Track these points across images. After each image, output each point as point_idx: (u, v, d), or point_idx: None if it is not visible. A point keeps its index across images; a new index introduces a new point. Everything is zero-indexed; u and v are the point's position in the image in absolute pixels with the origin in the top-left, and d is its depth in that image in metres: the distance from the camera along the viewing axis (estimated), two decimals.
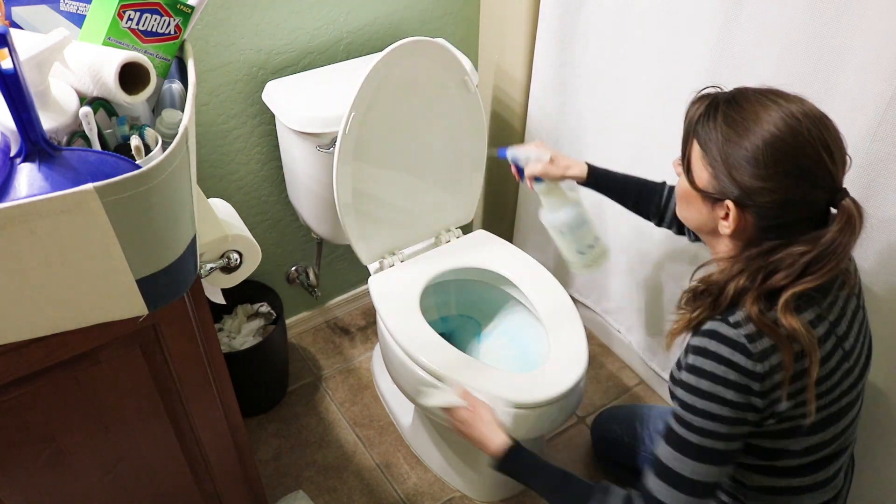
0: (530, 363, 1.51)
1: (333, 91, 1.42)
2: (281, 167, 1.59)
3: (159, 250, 0.73)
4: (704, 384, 0.87)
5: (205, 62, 1.39)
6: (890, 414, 1.21)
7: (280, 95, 1.42)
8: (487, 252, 1.58)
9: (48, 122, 0.75)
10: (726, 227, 0.88)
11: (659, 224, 1.27)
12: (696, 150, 0.90)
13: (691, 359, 0.89)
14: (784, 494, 0.97)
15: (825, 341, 0.88)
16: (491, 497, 1.56)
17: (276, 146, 1.56)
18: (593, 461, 1.63)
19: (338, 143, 1.33)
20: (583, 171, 1.27)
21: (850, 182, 1.10)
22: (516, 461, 1.07)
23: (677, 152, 0.95)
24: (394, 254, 1.56)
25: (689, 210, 0.95)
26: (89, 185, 0.62)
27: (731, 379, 0.85)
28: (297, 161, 1.47)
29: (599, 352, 1.90)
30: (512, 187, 1.90)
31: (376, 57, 1.29)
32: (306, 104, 1.39)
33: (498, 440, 1.08)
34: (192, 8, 0.87)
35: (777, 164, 0.82)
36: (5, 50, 0.62)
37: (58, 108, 0.77)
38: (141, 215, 0.68)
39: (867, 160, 1.07)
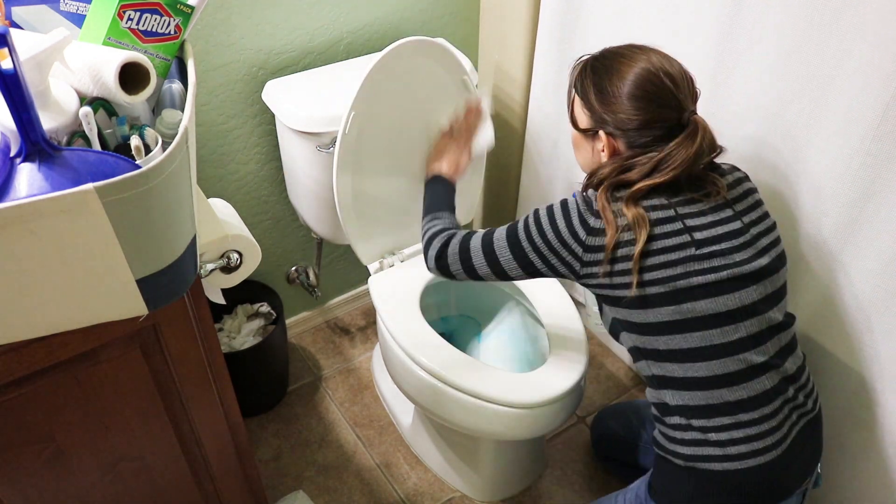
0: (530, 363, 1.51)
1: (333, 91, 1.42)
2: (281, 167, 1.59)
3: (159, 250, 0.73)
4: (556, 206, 1.08)
5: (205, 62, 1.39)
6: (868, 408, 1.21)
7: (280, 95, 1.42)
8: None
9: (48, 122, 0.75)
10: (604, 154, 1.08)
11: None
12: (577, 101, 1.11)
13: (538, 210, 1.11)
14: (689, 388, 1.05)
15: (664, 223, 1.01)
16: (491, 497, 1.56)
17: (276, 146, 1.56)
18: (593, 461, 1.63)
19: (338, 143, 1.33)
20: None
21: (850, 182, 1.10)
22: (429, 185, 1.35)
23: None
24: (394, 254, 1.56)
25: (579, 153, 1.15)
26: (89, 185, 0.62)
27: (570, 213, 1.05)
28: (297, 161, 1.47)
29: (599, 352, 1.90)
30: (512, 187, 1.90)
31: (376, 57, 1.29)
32: (306, 104, 1.39)
33: (436, 169, 1.37)
34: (192, 8, 0.87)
35: (634, 95, 1.01)
36: (5, 50, 0.62)
37: (58, 108, 0.77)
38: (141, 215, 0.68)
39: (867, 160, 1.07)
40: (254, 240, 1.00)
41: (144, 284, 0.73)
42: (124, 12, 0.81)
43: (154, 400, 0.96)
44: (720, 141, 1.05)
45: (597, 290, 1.07)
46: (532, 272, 1.11)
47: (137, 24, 0.83)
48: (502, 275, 1.14)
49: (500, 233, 1.13)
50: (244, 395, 1.19)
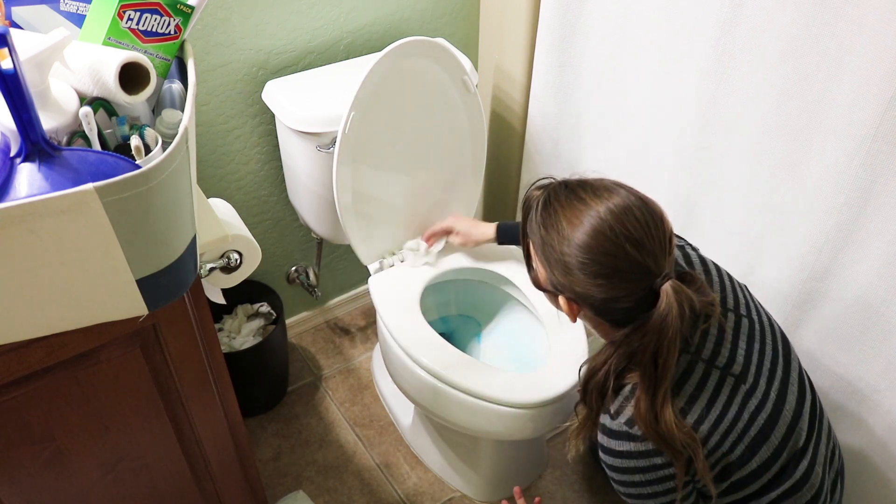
0: (530, 363, 1.51)
1: (333, 91, 1.42)
2: (281, 167, 1.59)
3: (159, 250, 0.73)
4: (618, 476, 0.95)
5: (205, 62, 1.39)
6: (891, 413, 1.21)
7: (280, 95, 1.42)
8: (487, 252, 1.58)
9: (48, 122, 0.75)
10: (569, 315, 0.95)
11: None
12: (531, 245, 0.95)
13: (601, 455, 0.96)
14: None
15: (704, 382, 0.91)
16: (491, 497, 1.56)
17: (276, 146, 1.56)
18: (593, 461, 1.63)
19: (337, 143, 1.33)
20: (490, 236, 1.44)
21: (850, 182, 1.10)
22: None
23: (677, 151, 0.95)
24: (394, 254, 1.56)
25: (547, 298, 0.99)
26: (89, 185, 0.62)
27: (632, 465, 0.92)
28: (297, 161, 1.47)
29: None
30: (512, 187, 1.90)
31: (376, 57, 1.29)
32: (306, 104, 1.39)
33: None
34: (192, 8, 0.87)
35: (586, 268, 0.86)
36: (5, 50, 0.62)
37: (58, 108, 0.77)
38: (141, 215, 0.68)
39: (867, 160, 1.07)
40: (254, 240, 1.00)
41: (144, 284, 0.73)
42: (124, 12, 0.81)
43: (154, 400, 0.96)
44: (720, 141, 1.03)
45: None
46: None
47: (137, 24, 0.83)
48: None
49: None
50: (244, 395, 1.19)
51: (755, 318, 1.01)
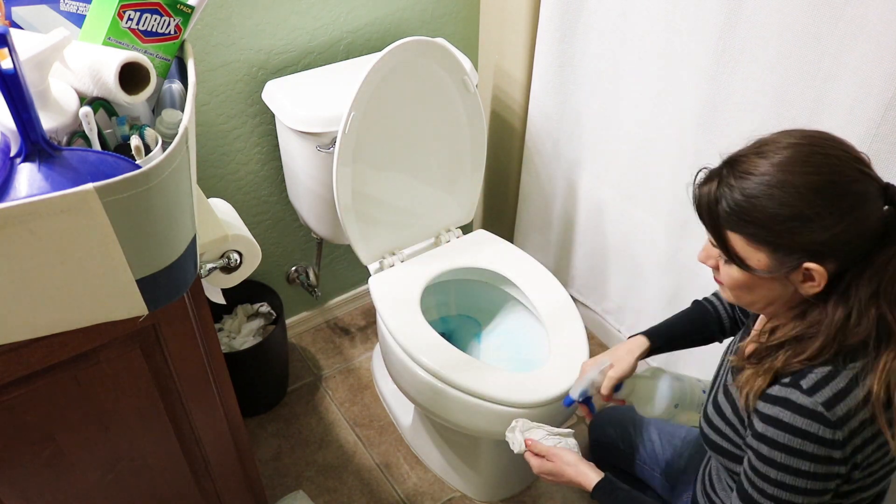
0: (530, 363, 1.51)
1: (333, 91, 1.42)
2: (281, 167, 1.59)
3: (159, 250, 0.73)
4: (778, 456, 0.82)
5: (205, 62, 1.39)
6: None
7: (280, 95, 1.42)
8: (487, 252, 1.58)
9: (48, 122, 0.75)
10: (814, 286, 0.80)
11: (724, 339, 1.19)
12: (735, 238, 0.81)
13: (761, 427, 0.83)
14: None
15: None
16: (491, 497, 1.56)
17: (276, 146, 1.56)
18: (592, 462, 1.62)
19: (337, 143, 1.33)
20: (644, 346, 1.16)
21: None
22: (609, 495, 1.03)
23: (677, 151, 0.94)
24: (394, 254, 1.56)
25: (754, 295, 0.85)
26: (89, 185, 0.62)
27: (808, 451, 0.80)
28: (297, 161, 1.47)
29: (599, 352, 1.89)
30: (512, 187, 1.90)
31: (376, 57, 1.29)
32: (306, 104, 1.39)
33: (589, 478, 1.06)
34: (192, 8, 0.87)
35: (825, 200, 0.75)
36: (5, 50, 0.62)
37: (58, 108, 0.77)
38: (141, 215, 0.68)
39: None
40: (254, 240, 1.00)
41: (144, 284, 0.73)
42: (124, 12, 0.81)
43: (154, 400, 0.96)
44: (720, 140, 1.03)
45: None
46: None
47: (137, 24, 0.83)
48: None
49: None
50: (244, 395, 1.19)
51: None
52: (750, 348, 0.89)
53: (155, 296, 0.76)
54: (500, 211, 2.00)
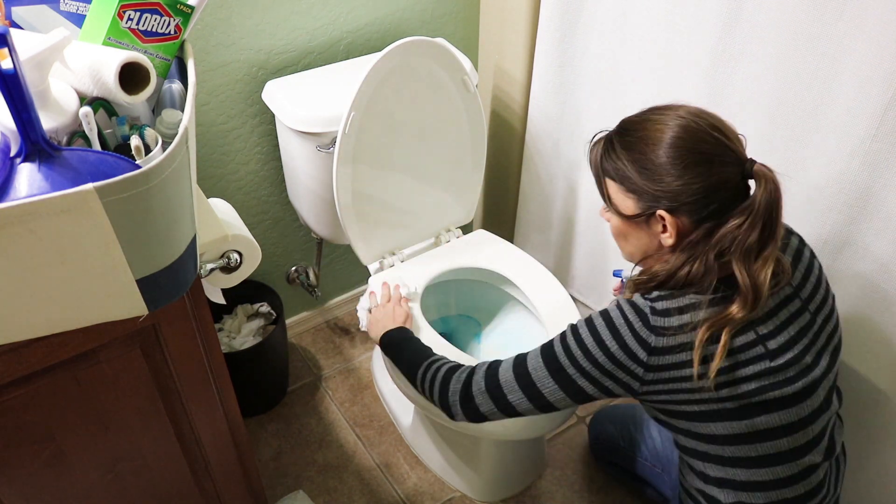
0: None
1: (333, 91, 1.42)
2: (281, 167, 1.59)
3: (159, 250, 0.73)
4: (599, 323, 0.95)
5: (205, 62, 1.39)
6: (891, 415, 1.21)
7: (280, 95, 1.42)
8: (487, 252, 1.58)
9: (48, 122, 0.75)
10: (668, 237, 0.93)
11: None
12: (612, 186, 0.97)
13: (603, 307, 0.98)
14: (747, 490, 0.99)
15: (737, 334, 0.91)
16: (491, 497, 1.56)
17: (276, 146, 1.56)
18: (592, 462, 1.63)
19: (337, 143, 1.33)
20: None
21: (851, 182, 1.10)
22: (389, 338, 1.25)
23: None
24: (394, 254, 1.56)
25: (629, 243, 1.00)
26: (89, 185, 0.62)
27: (620, 333, 0.93)
28: (297, 161, 1.47)
29: None
30: (512, 187, 1.90)
31: (376, 57, 1.29)
32: (306, 104, 1.39)
33: (381, 330, 1.27)
34: (192, 8, 0.87)
35: (685, 160, 0.88)
36: (5, 50, 0.62)
37: (58, 108, 0.77)
38: (141, 215, 0.68)
39: (867, 160, 1.07)
40: (254, 240, 1.00)
41: (144, 284, 0.73)
42: (124, 12, 0.81)
43: (154, 400, 0.96)
44: None
45: (656, 405, 0.98)
46: (583, 398, 0.98)
47: (137, 24, 0.83)
48: (547, 408, 1.00)
49: (535, 360, 1.00)
50: (244, 395, 1.19)
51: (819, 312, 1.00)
52: (627, 285, 1.03)
53: (155, 296, 0.76)
54: (500, 211, 2.00)
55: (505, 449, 1.50)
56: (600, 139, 0.99)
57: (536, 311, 1.47)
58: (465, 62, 1.45)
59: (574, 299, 1.50)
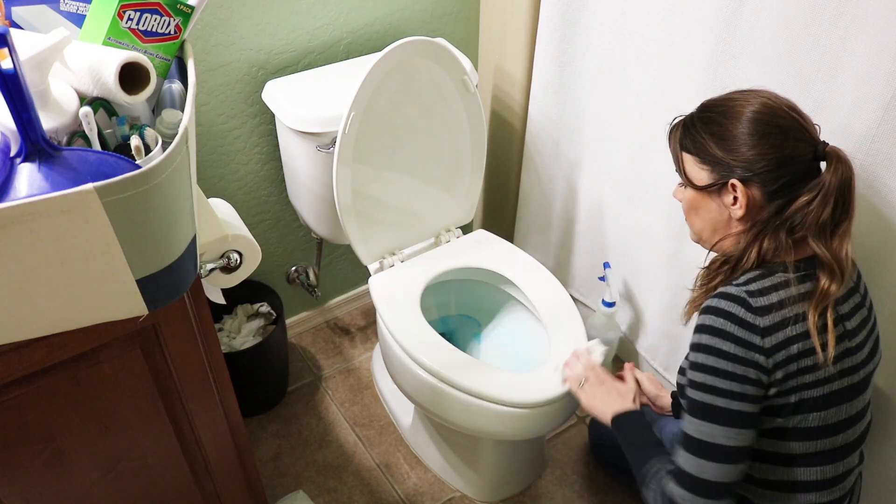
0: (530, 363, 1.51)
1: (333, 91, 1.42)
2: (281, 167, 1.59)
3: (159, 250, 0.73)
4: (705, 338, 0.91)
5: (205, 62, 1.39)
6: (892, 415, 1.21)
7: (280, 95, 1.42)
8: (487, 252, 1.58)
9: (48, 122, 0.75)
10: (738, 208, 0.94)
11: None
12: (688, 159, 0.99)
13: (698, 320, 0.94)
14: (791, 490, 0.97)
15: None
16: (491, 497, 1.56)
17: (276, 146, 1.56)
18: (592, 462, 1.63)
19: (337, 143, 1.33)
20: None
21: None
22: (623, 420, 1.14)
23: None
24: (394, 254, 1.56)
25: (699, 216, 1.01)
26: (89, 185, 0.62)
27: (728, 331, 0.89)
28: (297, 161, 1.47)
29: None
30: (512, 187, 1.90)
31: (376, 57, 1.29)
32: (306, 104, 1.39)
33: (614, 409, 1.16)
34: (192, 8, 0.87)
35: (761, 131, 0.91)
36: (5, 50, 0.62)
37: (58, 108, 0.77)
38: (141, 215, 0.68)
39: (867, 160, 1.07)
40: (254, 240, 1.00)
41: (144, 284, 0.73)
42: (124, 12, 0.81)
43: (154, 400, 0.96)
44: None
45: (789, 397, 0.92)
46: (750, 421, 0.91)
47: (137, 24, 0.83)
48: (735, 456, 0.92)
49: (690, 423, 0.94)
50: (244, 395, 1.19)
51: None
52: (699, 275, 1.03)
53: (155, 296, 0.76)
54: (500, 211, 2.00)
55: (505, 449, 1.50)
56: (681, 119, 1.02)
57: (536, 312, 1.47)
58: (465, 62, 1.45)
59: (574, 299, 1.50)
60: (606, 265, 1.53)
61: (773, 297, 0.90)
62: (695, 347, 0.93)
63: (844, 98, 1.07)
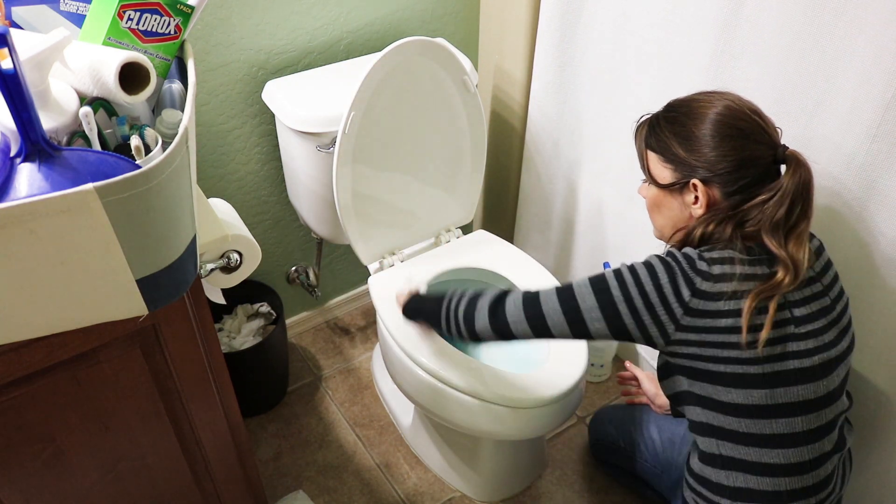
0: (530, 363, 1.51)
1: (333, 91, 1.42)
2: (281, 167, 1.59)
3: (159, 250, 0.73)
4: (654, 260, 0.97)
5: (205, 62, 1.39)
6: (892, 415, 1.21)
7: (280, 95, 1.42)
8: (487, 252, 1.58)
9: (48, 122, 0.75)
10: (699, 207, 0.98)
11: None
12: (652, 158, 1.03)
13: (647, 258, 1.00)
14: (758, 473, 0.98)
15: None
16: (491, 497, 1.56)
17: (276, 146, 1.56)
18: (592, 462, 1.63)
19: (337, 143, 1.33)
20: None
21: (850, 182, 1.10)
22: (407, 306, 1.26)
23: None
24: (394, 254, 1.56)
25: (661, 213, 1.05)
26: (89, 185, 0.62)
27: (674, 271, 0.94)
28: (297, 161, 1.47)
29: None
30: (512, 187, 1.90)
31: (376, 57, 1.29)
32: (306, 104, 1.39)
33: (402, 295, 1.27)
34: (192, 8, 0.87)
35: (723, 133, 0.95)
36: (5, 50, 0.62)
37: (58, 108, 0.77)
38: (141, 215, 0.68)
39: (867, 160, 1.07)
40: (254, 240, 1.00)
41: (144, 284, 0.73)
42: (124, 12, 0.81)
43: (154, 400, 0.96)
44: None
45: (682, 361, 0.98)
46: (617, 329, 0.97)
47: (137, 24, 0.83)
48: (578, 330, 0.99)
49: (581, 280, 1.01)
50: (244, 395, 1.19)
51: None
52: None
53: (155, 296, 0.76)
54: (500, 211, 2.00)
55: (505, 449, 1.50)
56: (647, 117, 1.05)
57: None
58: (465, 62, 1.45)
59: None
60: (606, 265, 1.54)
61: (717, 269, 0.93)
62: (643, 260, 0.98)
63: (844, 98, 1.07)
